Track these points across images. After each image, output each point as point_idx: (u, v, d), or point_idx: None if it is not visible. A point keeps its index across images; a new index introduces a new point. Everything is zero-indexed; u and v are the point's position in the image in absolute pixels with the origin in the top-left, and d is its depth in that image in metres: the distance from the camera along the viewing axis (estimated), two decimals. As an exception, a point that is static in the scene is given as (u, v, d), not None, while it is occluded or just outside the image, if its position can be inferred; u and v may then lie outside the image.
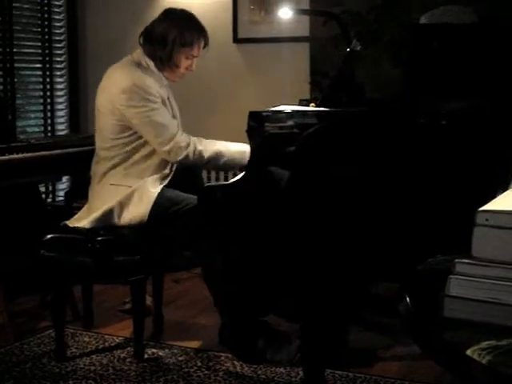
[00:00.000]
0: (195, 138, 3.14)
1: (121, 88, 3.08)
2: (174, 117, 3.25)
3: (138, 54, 3.21)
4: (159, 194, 3.08)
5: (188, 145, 3.09)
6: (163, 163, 3.16)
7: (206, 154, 3.12)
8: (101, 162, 3.19)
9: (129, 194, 3.08)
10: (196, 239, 2.99)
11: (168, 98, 3.24)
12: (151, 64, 3.19)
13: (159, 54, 3.18)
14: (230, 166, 3.30)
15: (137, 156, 3.15)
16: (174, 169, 3.18)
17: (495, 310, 1.39)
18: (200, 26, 3.24)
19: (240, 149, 3.16)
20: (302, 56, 4.47)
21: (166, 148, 3.08)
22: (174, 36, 3.16)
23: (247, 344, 3.09)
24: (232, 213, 2.72)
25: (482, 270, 1.43)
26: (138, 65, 3.17)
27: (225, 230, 2.76)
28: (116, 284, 3.58)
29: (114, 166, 3.15)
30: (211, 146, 3.15)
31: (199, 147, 3.11)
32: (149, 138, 3.11)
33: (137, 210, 3.07)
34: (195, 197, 2.86)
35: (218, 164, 3.19)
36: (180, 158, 3.09)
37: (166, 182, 3.15)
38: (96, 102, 3.22)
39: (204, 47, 3.26)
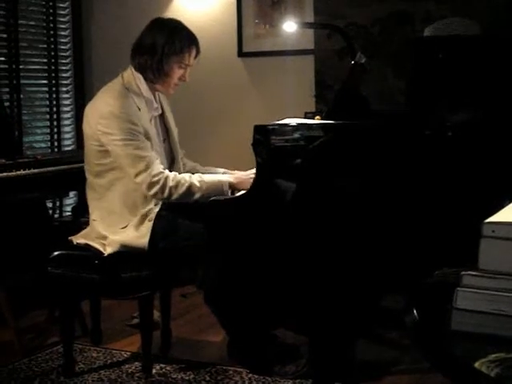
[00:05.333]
0: (171, 175, 3.00)
1: (100, 113, 3.03)
2: (163, 140, 3.20)
3: (129, 74, 3.13)
4: (155, 221, 3.02)
5: (158, 181, 2.96)
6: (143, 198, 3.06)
7: (179, 191, 2.98)
8: (89, 188, 3.16)
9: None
10: (197, 261, 2.94)
11: (161, 119, 3.19)
12: (143, 86, 3.09)
13: (149, 64, 3.08)
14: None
15: (119, 188, 3.06)
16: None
17: (503, 322, 1.38)
18: (190, 34, 3.15)
19: (214, 181, 3.03)
20: (307, 69, 4.48)
21: (138, 180, 2.98)
22: (163, 43, 3.06)
23: (256, 356, 3.09)
24: (238, 227, 2.72)
25: (489, 282, 1.42)
26: (127, 88, 3.08)
27: (230, 244, 2.76)
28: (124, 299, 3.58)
29: (99, 199, 3.11)
30: (184, 183, 2.99)
31: (170, 184, 2.97)
32: (124, 167, 3.01)
33: (136, 243, 3.02)
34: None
35: (192, 199, 2.99)
36: (151, 193, 2.98)
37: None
38: (83, 125, 3.18)
39: (196, 56, 3.16)
